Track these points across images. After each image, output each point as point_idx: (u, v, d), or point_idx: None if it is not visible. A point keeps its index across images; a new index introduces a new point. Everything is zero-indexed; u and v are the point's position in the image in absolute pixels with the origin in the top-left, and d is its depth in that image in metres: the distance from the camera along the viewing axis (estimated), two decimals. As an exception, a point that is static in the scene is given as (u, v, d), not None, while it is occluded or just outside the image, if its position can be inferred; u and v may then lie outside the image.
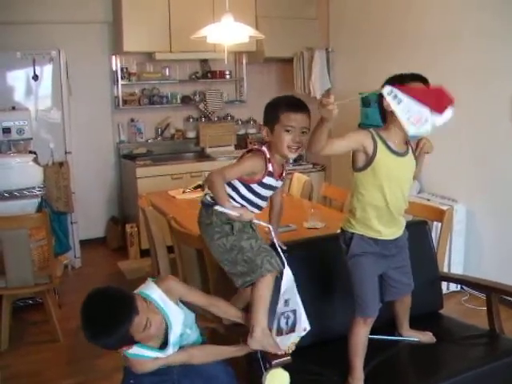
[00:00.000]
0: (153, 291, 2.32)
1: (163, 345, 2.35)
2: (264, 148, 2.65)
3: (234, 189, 2.66)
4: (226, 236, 2.58)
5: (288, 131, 2.59)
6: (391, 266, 2.70)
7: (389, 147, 2.53)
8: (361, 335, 2.63)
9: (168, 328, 2.33)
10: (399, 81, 2.50)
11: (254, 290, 2.51)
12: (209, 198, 2.66)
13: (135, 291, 2.36)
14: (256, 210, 2.72)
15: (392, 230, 2.65)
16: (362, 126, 5.58)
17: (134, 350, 2.29)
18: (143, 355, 2.31)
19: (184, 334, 2.43)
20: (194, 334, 2.52)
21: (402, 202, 2.64)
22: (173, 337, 2.34)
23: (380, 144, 2.51)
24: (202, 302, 2.53)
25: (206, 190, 2.71)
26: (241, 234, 2.58)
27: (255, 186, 2.65)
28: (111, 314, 2.16)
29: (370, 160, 2.51)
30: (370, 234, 2.60)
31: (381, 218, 2.59)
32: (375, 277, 2.65)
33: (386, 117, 2.56)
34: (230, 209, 2.50)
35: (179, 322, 2.36)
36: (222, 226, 2.60)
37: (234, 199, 2.64)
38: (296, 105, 2.66)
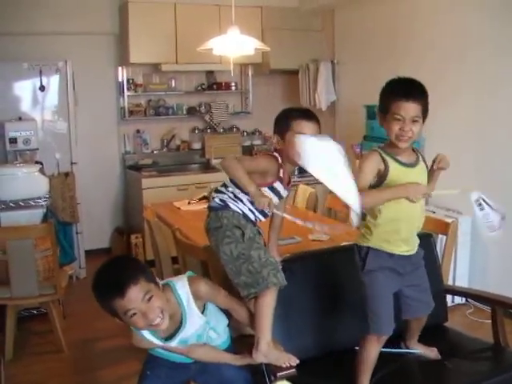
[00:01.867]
0: (182, 287, 2.34)
1: (169, 337, 2.36)
2: (276, 154, 2.66)
3: (243, 191, 2.61)
4: (235, 242, 2.54)
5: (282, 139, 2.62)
6: (405, 284, 2.66)
7: (398, 161, 2.52)
8: (372, 353, 2.61)
9: (181, 325, 2.34)
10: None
11: (258, 303, 2.50)
12: (218, 201, 2.64)
13: (167, 280, 2.40)
14: (262, 218, 2.72)
15: (408, 246, 2.63)
16: (368, 138, 5.58)
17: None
18: (143, 335, 2.32)
19: (203, 336, 2.44)
20: (219, 339, 2.54)
21: (419, 212, 2.63)
22: (182, 335, 2.35)
23: (390, 160, 2.50)
24: (225, 305, 2.54)
25: (214, 194, 2.70)
26: (251, 243, 2.56)
27: (265, 190, 2.63)
28: (105, 278, 2.25)
29: (383, 177, 2.48)
30: (386, 248, 2.57)
31: (399, 232, 2.57)
32: (391, 293, 2.61)
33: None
34: (259, 195, 2.45)
35: (195, 326, 2.38)
36: (232, 230, 2.57)
37: (243, 202, 2.63)
38: (308, 113, 2.67)
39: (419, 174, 2.59)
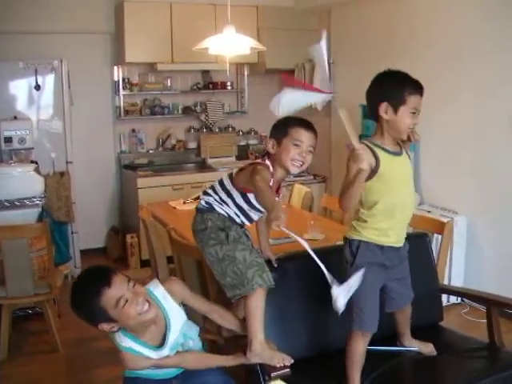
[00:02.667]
0: (156, 288, 2.38)
1: (160, 345, 2.36)
2: (268, 162, 2.66)
3: (230, 196, 2.66)
4: (220, 244, 2.57)
5: (296, 145, 2.62)
6: (391, 278, 2.70)
7: (386, 150, 2.58)
8: (358, 349, 2.62)
9: (167, 327, 2.35)
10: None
11: (247, 304, 2.51)
12: (203, 203, 2.68)
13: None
14: (247, 222, 2.74)
15: (398, 237, 2.67)
16: (363, 137, 5.57)
17: (127, 343, 2.30)
18: (135, 350, 2.32)
19: (185, 345, 2.43)
20: (196, 347, 2.53)
21: (410, 200, 2.70)
22: (171, 336, 2.36)
23: (379, 151, 2.56)
24: (203, 308, 2.58)
25: (201, 196, 2.73)
26: (235, 244, 2.58)
27: (251, 197, 2.65)
28: (84, 284, 2.24)
29: (374, 169, 2.52)
30: (377, 240, 2.60)
31: (392, 221, 2.60)
32: (377, 290, 2.65)
33: (380, 123, 2.61)
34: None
35: (179, 323, 2.40)
36: (217, 233, 2.59)
37: (228, 205, 2.65)
38: (307, 123, 2.72)
39: (404, 162, 2.68)
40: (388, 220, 2.60)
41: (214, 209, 2.64)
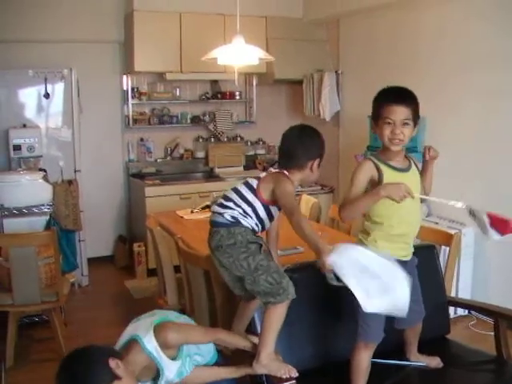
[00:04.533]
0: (149, 343, 2.29)
1: (156, 378, 2.36)
2: (287, 173, 2.68)
3: (253, 208, 2.65)
4: (252, 255, 2.55)
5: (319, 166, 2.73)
6: None
7: (392, 166, 2.58)
8: (363, 361, 2.62)
9: (160, 374, 2.33)
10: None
11: (269, 314, 2.50)
12: (229, 218, 2.62)
13: (134, 329, 2.36)
14: (260, 231, 2.74)
15: (405, 251, 2.66)
16: (371, 148, 5.58)
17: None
18: None
19: (184, 372, 2.43)
20: (204, 360, 2.53)
21: (415, 216, 2.68)
22: (165, 379, 2.35)
23: (382, 166, 2.56)
24: (205, 341, 2.53)
25: (220, 210, 2.67)
26: (267, 255, 2.58)
27: (273, 208, 2.68)
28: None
29: (378, 184, 2.52)
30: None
31: (398, 236, 2.60)
32: None
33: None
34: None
35: (173, 371, 2.36)
36: (247, 246, 2.58)
37: (251, 218, 2.64)
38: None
39: (412, 178, 2.65)
40: (394, 235, 2.59)
41: (240, 222, 2.61)
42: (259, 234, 2.73)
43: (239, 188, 2.71)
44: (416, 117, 2.57)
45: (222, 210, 2.65)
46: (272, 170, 2.74)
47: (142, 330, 2.34)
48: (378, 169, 2.54)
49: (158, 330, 2.33)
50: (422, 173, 2.75)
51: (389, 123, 2.51)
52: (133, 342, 2.31)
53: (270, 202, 2.64)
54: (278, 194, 2.56)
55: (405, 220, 2.59)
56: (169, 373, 2.34)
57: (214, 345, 2.61)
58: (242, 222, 2.62)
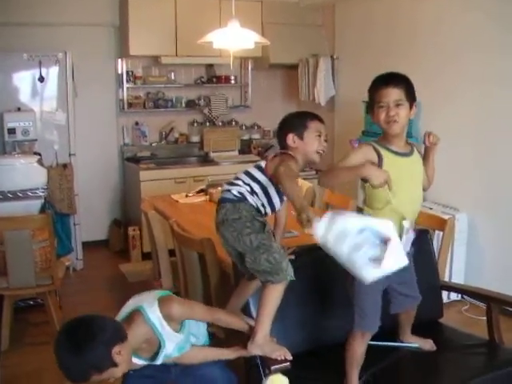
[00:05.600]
0: (153, 313, 2.29)
1: (153, 356, 2.37)
2: (291, 153, 2.71)
3: (262, 186, 2.67)
4: (255, 233, 2.55)
5: (318, 136, 2.74)
6: (395, 281, 2.68)
7: (391, 150, 2.57)
8: (358, 349, 2.63)
9: (160, 347, 2.34)
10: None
11: (267, 293, 2.50)
12: (236, 193, 2.64)
13: (139, 301, 2.36)
14: (270, 212, 2.76)
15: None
16: (366, 133, 5.59)
17: None
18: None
19: (184, 347, 2.44)
20: (198, 343, 2.54)
21: (416, 203, 2.69)
22: (164, 354, 2.35)
23: (383, 151, 2.55)
24: (206, 319, 2.53)
25: (228, 187, 2.70)
26: (270, 235, 2.60)
27: (275, 193, 2.71)
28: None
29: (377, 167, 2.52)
30: None
31: (394, 223, 2.58)
32: (379, 292, 2.64)
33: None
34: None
35: (173, 344, 2.36)
36: (252, 222, 2.58)
37: (258, 196, 2.66)
38: (319, 117, 2.85)
39: (413, 163, 2.66)
40: (392, 222, 2.58)
41: (246, 199, 2.63)
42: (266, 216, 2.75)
43: (249, 169, 2.75)
44: (410, 98, 2.56)
45: (229, 187, 2.69)
46: (278, 152, 2.77)
47: (146, 302, 2.34)
48: (379, 154, 2.53)
49: (163, 302, 2.33)
50: (424, 160, 2.75)
51: (382, 106, 2.53)
52: (136, 312, 2.31)
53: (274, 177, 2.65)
54: (278, 166, 2.57)
55: (402, 208, 2.57)
56: (169, 345, 2.34)
57: (206, 328, 2.62)
58: (248, 198, 2.63)
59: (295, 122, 2.78)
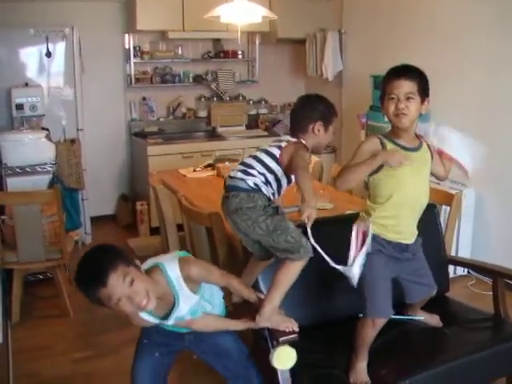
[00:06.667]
0: (172, 270, 2.31)
1: (166, 316, 2.37)
2: (304, 142, 2.71)
3: (276, 177, 2.66)
4: (271, 216, 2.55)
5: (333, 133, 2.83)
6: (404, 271, 2.70)
7: (398, 144, 2.56)
8: (368, 335, 2.63)
9: (175, 305, 2.35)
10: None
11: (285, 269, 2.51)
12: (251, 184, 2.61)
13: (158, 259, 2.38)
14: (277, 196, 2.76)
15: (406, 234, 2.65)
16: (374, 108, 5.57)
17: None
18: (142, 317, 2.35)
19: (198, 311, 2.44)
20: (214, 311, 2.56)
21: (421, 200, 2.66)
22: (177, 313, 2.37)
23: (390, 144, 2.54)
24: (220, 283, 2.53)
25: (243, 176, 2.65)
26: (283, 216, 2.60)
27: (293, 177, 2.70)
28: (82, 278, 2.22)
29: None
30: (385, 235, 2.60)
31: (399, 218, 2.59)
32: (389, 278, 2.63)
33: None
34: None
35: (187, 306, 2.38)
36: (266, 209, 2.58)
37: (271, 186, 2.66)
38: None
39: (421, 158, 2.62)
40: (396, 217, 2.59)
41: (260, 190, 2.62)
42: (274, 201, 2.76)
43: (261, 157, 2.69)
44: (423, 92, 2.52)
45: (244, 177, 2.64)
46: (290, 138, 2.74)
47: (166, 260, 2.36)
48: (383, 145, 2.53)
49: (182, 262, 2.35)
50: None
51: (392, 98, 2.50)
52: (155, 268, 2.33)
53: (291, 171, 2.65)
54: (295, 157, 2.57)
55: (408, 203, 2.58)
56: (183, 306, 2.35)
57: (222, 297, 2.64)
58: (263, 189, 2.62)
59: (326, 112, 2.77)
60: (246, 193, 2.61)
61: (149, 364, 2.57)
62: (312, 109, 2.77)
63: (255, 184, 2.62)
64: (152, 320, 2.38)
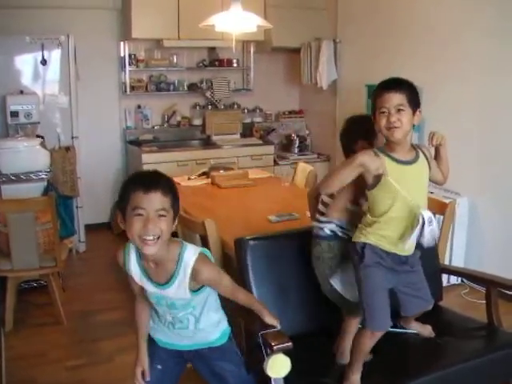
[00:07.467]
0: (188, 256, 2.26)
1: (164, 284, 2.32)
2: None
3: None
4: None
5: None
6: (401, 283, 2.69)
7: (394, 159, 2.53)
8: (366, 346, 2.62)
9: (168, 283, 2.28)
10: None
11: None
12: (328, 232, 2.69)
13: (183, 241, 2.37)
14: None
15: (406, 245, 2.61)
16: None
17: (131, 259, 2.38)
18: (131, 270, 2.37)
19: (188, 310, 2.40)
20: (211, 335, 2.50)
21: (419, 211, 2.61)
22: (167, 292, 2.30)
23: (385, 158, 2.52)
24: (227, 295, 2.44)
25: (321, 225, 2.75)
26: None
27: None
28: (139, 173, 2.29)
29: (379, 176, 2.50)
30: (384, 246, 2.58)
31: (397, 231, 2.57)
32: (385, 290, 2.62)
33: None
34: None
35: (176, 295, 2.31)
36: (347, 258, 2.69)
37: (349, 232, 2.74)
38: None
39: (417, 170, 2.60)
40: (394, 229, 2.57)
41: (337, 236, 2.68)
42: None
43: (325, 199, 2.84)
44: (414, 103, 2.51)
45: (321, 225, 2.77)
46: None
47: (190, 245, 2.33)
48: (379, 159, 2.51)
49: (202, 257, 2.30)
50: (437, 159, 2.73)
51: (383, 112, 2.48)
52: (177, 242, 2.32)
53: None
54: None
55: (406, 216, 2.55)
56: (172, 290, 2.29)
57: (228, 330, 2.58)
58: (339, 234, 2.75)
59: (370, 128, 2.69)
60: (327, 241, 2.78)
61: (153, 375, 2.53)
62: (352, 129, 2.88)
63: (331, 231, 2.78)
64: (148, 287, 2.34)
